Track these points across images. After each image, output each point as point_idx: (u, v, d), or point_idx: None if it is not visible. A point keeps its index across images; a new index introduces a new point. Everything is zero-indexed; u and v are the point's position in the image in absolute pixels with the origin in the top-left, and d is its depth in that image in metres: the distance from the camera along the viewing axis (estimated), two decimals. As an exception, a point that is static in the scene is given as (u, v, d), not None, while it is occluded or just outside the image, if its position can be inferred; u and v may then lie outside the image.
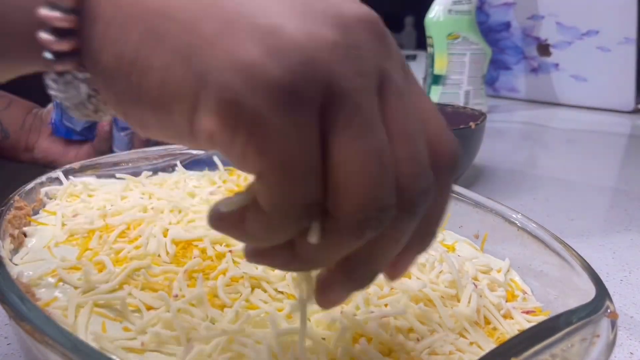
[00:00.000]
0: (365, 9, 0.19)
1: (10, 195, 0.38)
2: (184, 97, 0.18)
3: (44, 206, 0.41)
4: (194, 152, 0.51)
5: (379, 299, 0.30)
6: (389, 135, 0.19)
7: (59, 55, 0.19)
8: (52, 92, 0.20)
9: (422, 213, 0.20)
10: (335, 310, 0.28)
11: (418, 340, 0.27)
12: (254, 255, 0.21)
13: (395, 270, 0.22)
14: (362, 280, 0.21)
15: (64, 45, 0.19)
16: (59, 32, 0.18)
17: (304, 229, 0.19)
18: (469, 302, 0.30)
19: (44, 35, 0.18)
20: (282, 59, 0.17)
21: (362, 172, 0.18)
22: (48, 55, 0.19)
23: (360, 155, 0.18)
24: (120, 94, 0.19)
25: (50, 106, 0.68)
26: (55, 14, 0.18)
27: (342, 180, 0.18)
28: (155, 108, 0.19)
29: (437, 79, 1.00)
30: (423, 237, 0.21)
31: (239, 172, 0.50)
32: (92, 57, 0.19)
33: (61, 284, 0.31)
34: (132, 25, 0.18)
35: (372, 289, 0.30)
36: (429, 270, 0.33)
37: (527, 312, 0.32)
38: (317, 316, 0.28)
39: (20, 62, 0.20)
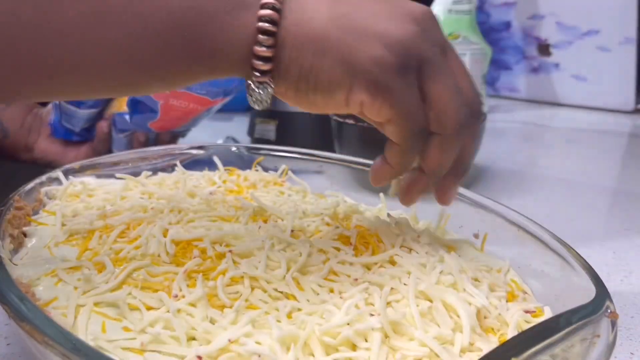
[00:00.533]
0: (424, 7, 0.31)
1: (10, 195, 0.38)
2: (343, 85, 0.30)
3: (43, 206, 0.41)
4: (194, 152, 0.51)
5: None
6: (458, 77, 0.32)
7: (262, 72, 0.30)
8: (251, 93, 0.31)
9: (469, 130, 0.33)
10: (336, 313, 0.28)
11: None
12: (405, 195, 0.36)
13: (445, 194, 0.35)
14: (463, 172, 0.35)
15: (266, 67, 0.29)
16: (263, 59, 0.29)
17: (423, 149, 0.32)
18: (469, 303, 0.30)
19: (256, 62, 0.29)
20: (393, 49, 0.29)
21: (452, 100, 0.31)
22: (257, 73, 0.30)
23: (449, 90, 0.31)
24: (301, 89, 0.31)
25: (49, 106, 0.68)
26: (263, 49, 0.29)
27: (442, 107, 0.31)
28: (325, 93, 0.31)
29: (437, 79, 1.01)
30: (463, 164, 0.34)
31: (239, 172, 0.50)
32: (282, 70, 0.30)
33: (61, 284, 0.31)
34: (307, 48, 0.29)
35: (371, 289, 0.30)
36: (429, 270, 0.33)
37: (527, 312, 0.32)
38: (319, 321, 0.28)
39: (228, 75, 0.31)
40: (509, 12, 1.22)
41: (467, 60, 0.98)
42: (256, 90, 0.30)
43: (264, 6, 0.28)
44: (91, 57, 0.27)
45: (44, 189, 0.42)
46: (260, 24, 0.28)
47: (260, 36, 0.28)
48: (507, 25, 1.23)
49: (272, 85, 0.30)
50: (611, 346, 0.25)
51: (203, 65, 0.29)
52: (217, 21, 0.28)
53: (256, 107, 0.31)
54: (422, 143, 0.32)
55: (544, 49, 1.19)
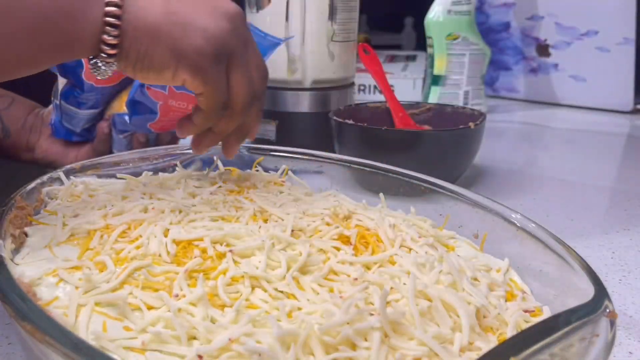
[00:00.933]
0: (237, 7, 0.41)
1: (12, 195, 0.38)
2: (170, 66, 0.39)
3: (45, 206, 0.41)
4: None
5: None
6: (251, 68, 0.42)
7: (109, 55, 0.37)
8: (96, 69, 0.38)
9: (260, 103, 0.45)
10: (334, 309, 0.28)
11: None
12: (196, 143, 0.46)
13: (227, 150, 0.47)
14: (244, 137, 0.47)
15: (112, 52, 0.37)
16: (110, 45, 0.37)
17: (221, 117, 0.43)
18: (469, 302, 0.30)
19: (104, 47, 0.37)
20: (210, 42, 0.39)
21: (242, 87, 0.42)
22: (104, 55, 0.37)
23: (243, 79, 0.41)
24: (138, 69, 0.39)
25: (50, 107, 0.68)
26: (110, 38, 0.37)
27: (235, 91, 0.42)
28: (156, 72, 0.39)
29: (436, 79, 1.01)
30: (244, 131, 0.46)
31: (239, 172, 0.50)
32: (124, 54, 0.38)
33: (62, 283, 0.31)
34: (143, 37, 0.38)
35: (371, 288, 0.30)
36: (428, 269, 0.33)
37: (526, 312, 0.32)
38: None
39: (80, 56, 0.38)
40: (508, 13, 1.22)
41: (466, 60, 0.99)
42: (102, 67, 0.38)
43: (108, 4, 0.36)
44: None
45: (45, 189, 0.42)
46: (107, 18, 0.36)
47: (107, 28, 0.36)
48: (506, 25, 1.23)
49: (115, 64, 0.38)
50: (610, 345, 0.25)
51: (64, 52, 0.37)
52: (72, 18, 0.35)
53: (98, 77, 0.39)
54: (220, 112, 0.42)
55: (543, 49, 1.19)
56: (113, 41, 0.37)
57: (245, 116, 0.43)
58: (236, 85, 0.41)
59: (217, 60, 0.39)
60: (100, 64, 0.38)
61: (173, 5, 0.38)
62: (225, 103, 0.41)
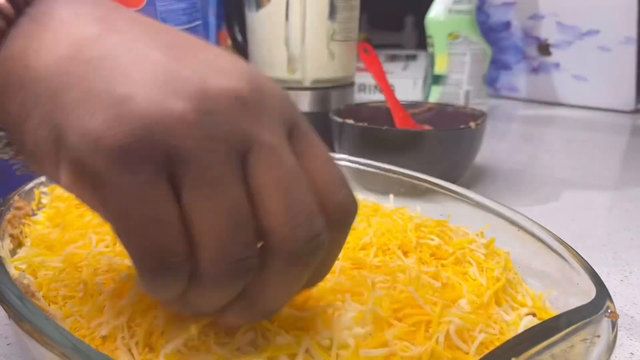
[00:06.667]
0: (233, 82, 0.21)
1: (10, 195, 0.38)
2: (48, 156, 0.21)
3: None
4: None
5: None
6: (257, 191, 0.21)
7: None
8: None
9: (314, 259, 0.22)
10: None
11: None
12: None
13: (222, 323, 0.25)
14: (254, 317, 0.24)
15: None
16: None
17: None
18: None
19: None
20: (121, 125, 0.19)
21: (210, 230, 0.20)
22: None
23: (208, 214, 0.20)
24: (16, 148, 0.24)
25: None
26: None
27: (196, 237, 0.20)
28: (31, 160, 0.23)
29: (437, 79, 1.00)
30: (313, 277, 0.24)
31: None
32: None
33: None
34: (14, 93, 0.22)
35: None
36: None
37: (528, 313, 0.32)
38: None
39: None
40: (508, 12, 1.21)
41: (467, 60, 0.98)
42: None
43: None
44: None
45: (44, 189, 0.42)
46: None
47: None
48: (507, 25, 1.23)
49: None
50: (611, 346, 0.25)
51: None
52: None
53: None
54: (166, 275, 0.21)
55: (544, 48, 1.19)
56: None
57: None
58: (199, 225, 0.20)
59: (127, 163, 0.19)
60: None
61: (97, 43, 0.21)
62: (174, 257, 0.20)
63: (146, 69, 0.20)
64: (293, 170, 0.21)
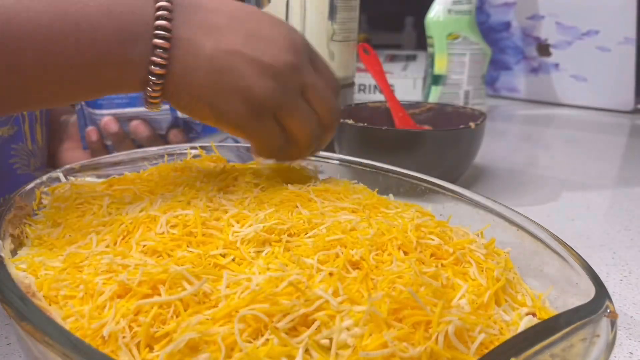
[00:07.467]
0: (283, 55, 0.39)
1: (11, 195, 0.38)
2: (211, 120, 0.40)
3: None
4: (194, 152, 0.51)
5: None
6: (314, 105, 0.41)
7: (154, 97, 0.37)
8: (146, 104, 0.38)
9: (337, 123, 0.45)
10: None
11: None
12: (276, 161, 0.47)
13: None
14: (314, 153, 0.47)
15: (157, 93, 0.37)
16: (156, 85, 0.36)
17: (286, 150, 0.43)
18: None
19: (149, 89, 0.37)
20: (250, 103, 0.38)
21: (303, 130, 0.41)
22: (148, 94, 0.37)
23: (300, 123, 0.41)
24: (188, 110, 0.39)
25: (74, 118, 0.68)
26: (154, 78, 0.36)
27: (295, 135, 0.41)
28: (200, 119, 0.40)
29: (437, 79, 1.01)
30: (315, 150, 0.46)
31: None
32: (173, 93, 0.38)
33: (61, 283, 0.31)
34: (185, 94, 0.38)
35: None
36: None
37: (528, 314, 0.32)
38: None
39: (132, 92, 0.38)
40: (508, 12, 1.22)
41: (466, 60, 0.98)
42: (149, 102, 0.38)
43: (155, 47, 0.35)
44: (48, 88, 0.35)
45: (44, 189, 0.42)
46: (152, 67, 0.36)
47: (151, 77, 0.36)
48: (507, 25, 1.23)
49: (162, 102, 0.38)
50: (610, 346, 0.25)
51: (108, 91, 0.38)
52: (112, 59, 0.35)
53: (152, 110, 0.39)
54: (281, 151, 0.42)
55: (544, 49, 1.19)
56: (157, 87, 0.36)
57: (313, 147, 0.44)
58: (294, 129, 0.41)
59: (257, 118, 0.39)
60: (150, 100, 0.38)
61: (219, 61, 0.37)
62: (282, 145, 0.41)
63: (245, 72, 0.38)
64: (323, 87, 0.42)
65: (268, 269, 0.31)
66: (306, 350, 0.25)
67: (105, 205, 0.40)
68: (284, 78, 0.39)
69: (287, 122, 0.40)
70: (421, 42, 1.24)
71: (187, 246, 0.33)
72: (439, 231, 0.37)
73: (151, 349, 0.25)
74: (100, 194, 0.41)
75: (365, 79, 1.06)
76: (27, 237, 0.36)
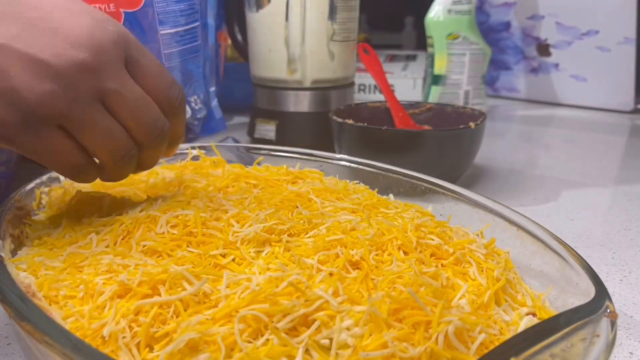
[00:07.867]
0: (72, 52, 0.31)
1: (11, 195, 0.38)
2: None
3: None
4: (194, 152, 0.51)
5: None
6: (120, 117, 0.33)
7: None
8: None
9: (164, 140, 0.36)
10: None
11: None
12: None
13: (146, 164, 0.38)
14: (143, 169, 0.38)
15: None
16: None
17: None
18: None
19: None
20: (16, 111, 0.30)
21: (100, 149, 0.33)
22: None
23: (98, 139, 0.33)
24: None
25: None
26: None
27: (94, 151, 0.34)
28: None
29: (437, 79, 1.01)
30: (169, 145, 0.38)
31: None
32: None
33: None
34: None
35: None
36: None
37: (528, 314, 0.32)
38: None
39: None
40: (508, 12, 1.22)
41: (466, 60, 0.99)
42: None
43: None
44: None
45: (44, 189, 0.42)
46: None
47: None
48: (507, 25, 1.23)
49: None
50: (610, 346, 0.25)
51: None
52: None
53: None
54: (82, 171, 0.34)
55: (544, 49, 1.19)
56: None
57: (144, 153, 0.36)
58: (89, 146, 0.33)
59: (29, 129, 0.31)
60: None
61: None
62: (81, 165, 0.34)
63: (14, 66, 0.30)
64: (134, 97, 0.34)
65: (268, 269, 0.31)
66: (306, 350, 0.25)
67: (105, 205, 0.40)
68: (70, 81, 0.31)
69: (79, 137, 0.32)
70: (421, 42, 1.24)
71: (187, 246, 0.33)
72: (439, 231, 0.37)
73: (151, 349, 0.25)
74: (100, 194, 0.41)
75: (365, 79, 1.06)
76: (27, 237, 0.36)
